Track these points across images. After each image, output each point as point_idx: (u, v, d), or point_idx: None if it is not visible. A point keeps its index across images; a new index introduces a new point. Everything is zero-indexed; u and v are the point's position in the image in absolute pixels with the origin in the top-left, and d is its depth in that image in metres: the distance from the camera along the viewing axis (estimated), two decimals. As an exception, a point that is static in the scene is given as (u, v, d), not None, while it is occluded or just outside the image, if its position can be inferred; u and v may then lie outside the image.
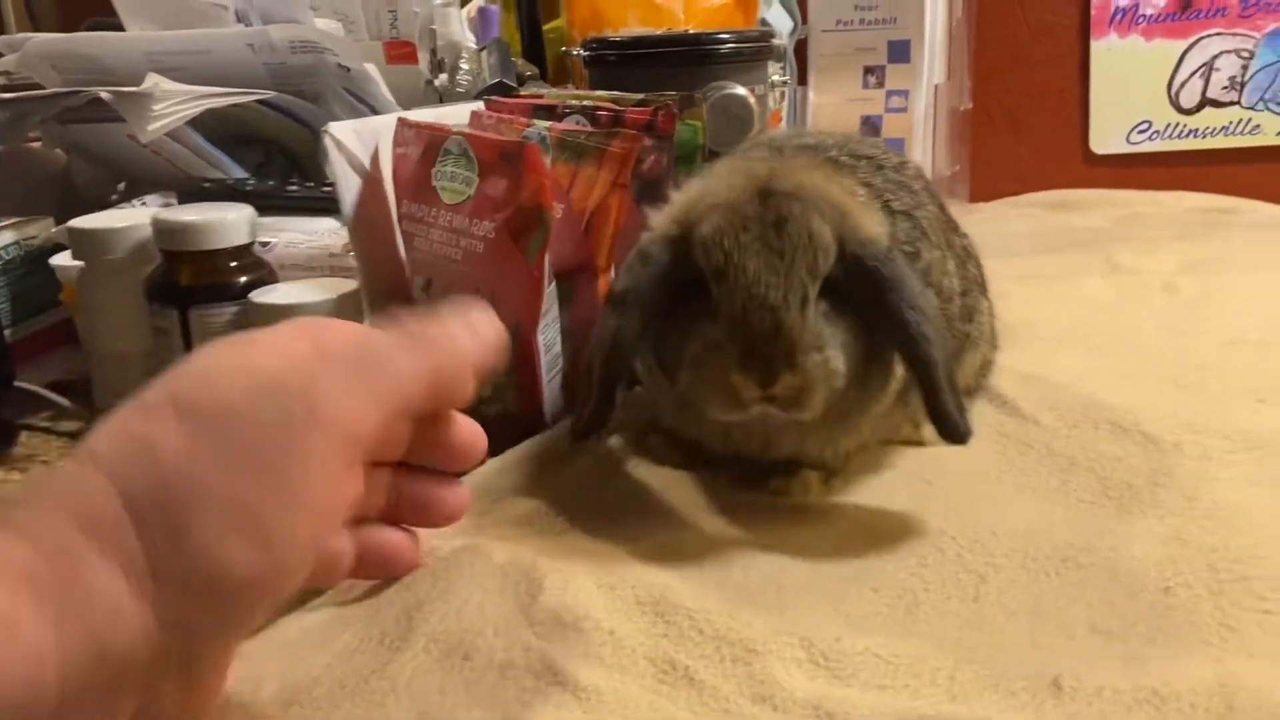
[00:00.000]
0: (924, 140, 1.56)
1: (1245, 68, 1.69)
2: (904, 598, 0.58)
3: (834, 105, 1.59)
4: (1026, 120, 1.79)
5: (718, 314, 0.60)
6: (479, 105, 1.00)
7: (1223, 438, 0.74)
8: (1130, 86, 1.73)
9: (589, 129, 0.85)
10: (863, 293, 0.61)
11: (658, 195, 0.92)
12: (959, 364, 0.76)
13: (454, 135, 0.78)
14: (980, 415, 0.82)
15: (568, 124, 0.93)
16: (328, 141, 0.82)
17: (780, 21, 1.58)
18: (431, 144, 0.80)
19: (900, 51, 1.55)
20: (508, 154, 0.74)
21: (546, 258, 0.74)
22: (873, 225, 0.65)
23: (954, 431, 0.62)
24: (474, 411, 0.54)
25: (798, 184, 0.63)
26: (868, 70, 1.57)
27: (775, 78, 1.25)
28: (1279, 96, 1.68)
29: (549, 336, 0.78)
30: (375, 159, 0.85)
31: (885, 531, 0.65)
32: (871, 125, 1.58)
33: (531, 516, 0.68)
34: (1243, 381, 0.84)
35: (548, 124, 0.85)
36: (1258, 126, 1.70)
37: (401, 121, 0.84)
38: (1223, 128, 1.71)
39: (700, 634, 0.54)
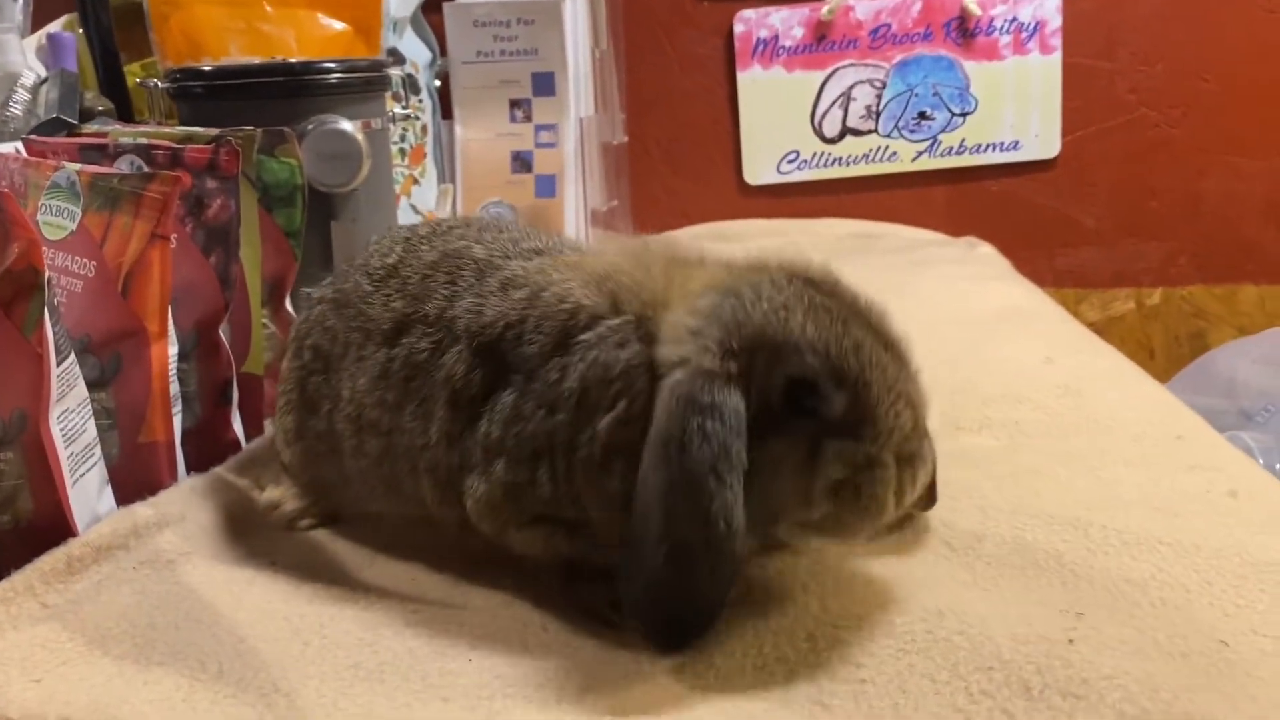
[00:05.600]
0: (576, 175, 1.51)
1: (879, 97, 1.76)
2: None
3: (483, 141, 1.51)
4: (682, 153, 1.79)
5: (848, 427, 0.51)
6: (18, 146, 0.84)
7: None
8: (777, 117, 1.77)
9: (123, 173, 0.72)
10: None
11: (228, 243, 0.80)
12: None
13: (-70, 184, 0.63)
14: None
15: (119, 166, 0.79)
16: None
17: (416, 52, 1.49)
18: (-93, 195, 0.64)
19: (545, 84, 1.49)
20: (-11, 205, 0.59)
21: (50, 329, 0.60)
22: None
23: None
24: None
25: (821, 270, 0.57)
26: (514, 104, 1.50)
27: (397, 110, 1.15)
28: (911, 124, 1.76)
29: (72, 424, 0.63)
30: None
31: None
32: (523, 160, 1.51)
33: (35, 651, 0.54)
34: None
35: (78, 167, 0.71)
36: (894, 154, 1.77)
37: (-122, 168, 0.67)
38: (864, 155, 1.77)
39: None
